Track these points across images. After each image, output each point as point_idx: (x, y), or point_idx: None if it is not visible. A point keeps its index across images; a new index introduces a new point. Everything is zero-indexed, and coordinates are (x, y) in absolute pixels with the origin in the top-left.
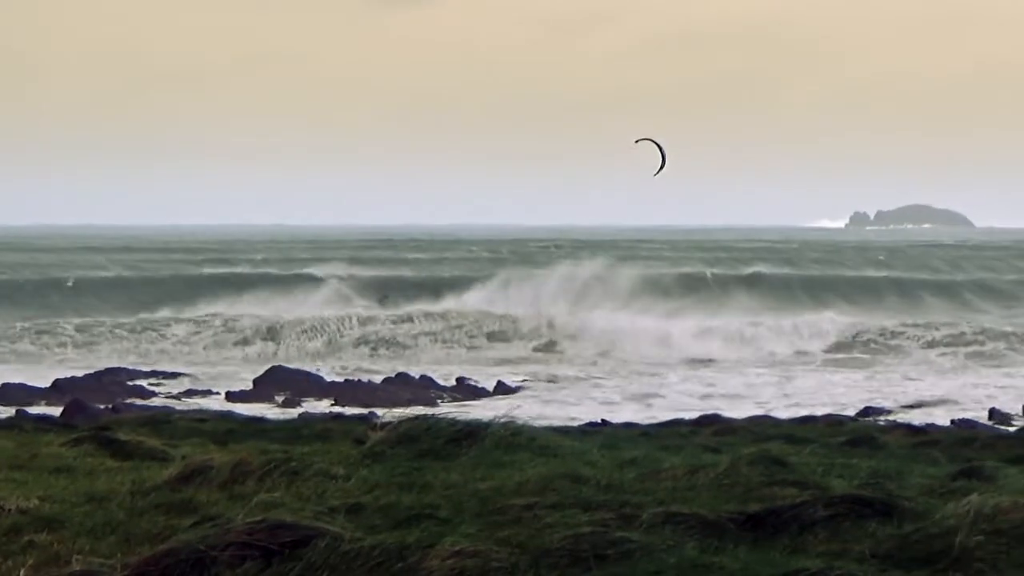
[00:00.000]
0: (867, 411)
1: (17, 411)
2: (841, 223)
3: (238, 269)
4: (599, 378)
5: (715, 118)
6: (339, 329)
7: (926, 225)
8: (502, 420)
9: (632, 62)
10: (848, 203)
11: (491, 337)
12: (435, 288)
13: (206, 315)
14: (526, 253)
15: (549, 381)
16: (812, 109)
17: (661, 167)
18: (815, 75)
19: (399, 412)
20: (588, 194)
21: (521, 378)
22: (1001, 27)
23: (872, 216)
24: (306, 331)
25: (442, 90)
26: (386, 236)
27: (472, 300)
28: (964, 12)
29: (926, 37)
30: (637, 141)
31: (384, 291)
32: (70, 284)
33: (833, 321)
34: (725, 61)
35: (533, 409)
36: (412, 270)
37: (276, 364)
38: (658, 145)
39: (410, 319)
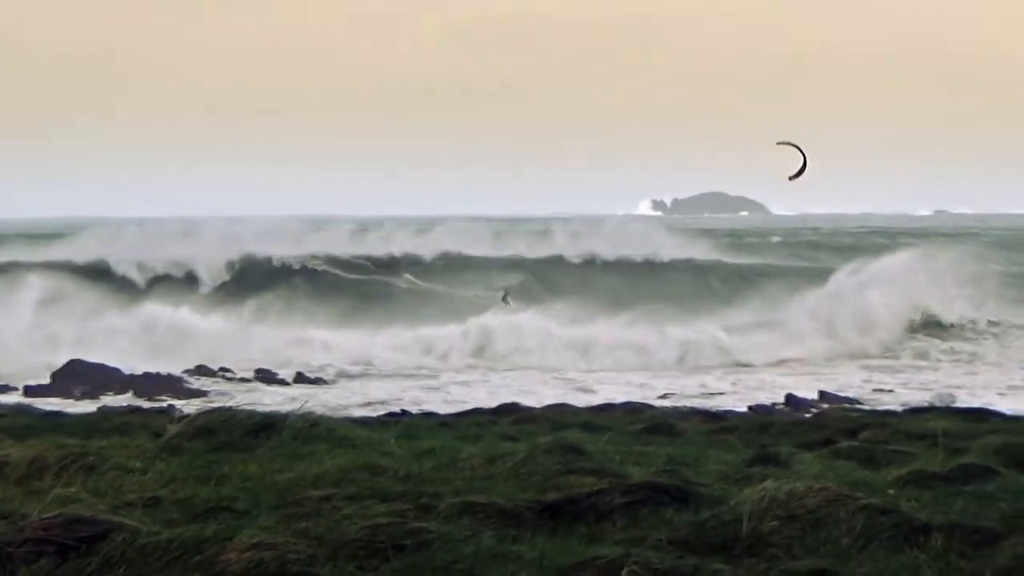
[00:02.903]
0: (665, 397)
1: None
2: (640, 211)
3: None
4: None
5: (515, 107)
6: None
7: (724, 214)
8: (300, 411)
9: (438, 54)
10: (642, 191)
11: None
12: None
13: None
14: None
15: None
16: (606, 98)
17: (801, 171)
18: (611, 64)
19: (198, 404)
20: (398, 184)
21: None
22: (807, 19)
23: (669, 204)
24: None
25: (251, 82)
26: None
27: None
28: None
29: (725, 28)
30: (779, 143)
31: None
32: None
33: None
34: (526, 51)
35: (332, 400)
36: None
37: (75, 357)
38: (800, 149)
39: None
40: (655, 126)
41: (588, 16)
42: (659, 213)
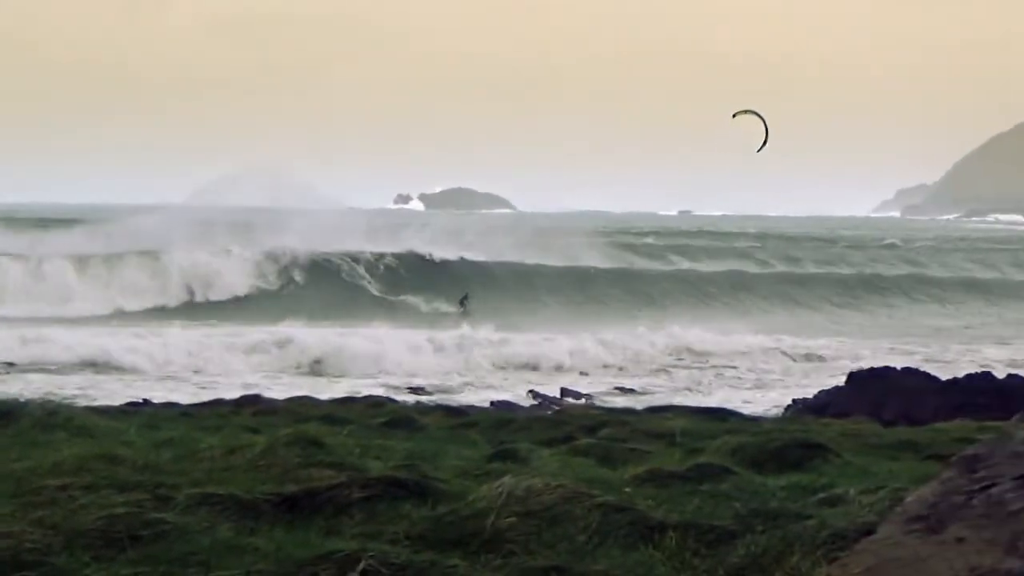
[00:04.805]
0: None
1: None
2: (387, 205)
3: None
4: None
5: (277, 100)
6: None
7: (483, 211)
8: (40, 400)
9: (197, 43)
10: (391, 186)
11: None
12: None
13: None
14: None
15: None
16: (363, 92)
17: (764, 142)
18: (372, 58)
19: None
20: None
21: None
22: (561, 14)
23: (415, 198)
24: None
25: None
26: None
27: None
28: None
29: (461, 32)
30: (735, 115)
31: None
32: None
33: None
34: (276, 47)
35: (75, 389)
36: None
37: None
38: (762, 118)
39: None
40: (405, 123)
41: (337, 13)
42: (404, 206)
